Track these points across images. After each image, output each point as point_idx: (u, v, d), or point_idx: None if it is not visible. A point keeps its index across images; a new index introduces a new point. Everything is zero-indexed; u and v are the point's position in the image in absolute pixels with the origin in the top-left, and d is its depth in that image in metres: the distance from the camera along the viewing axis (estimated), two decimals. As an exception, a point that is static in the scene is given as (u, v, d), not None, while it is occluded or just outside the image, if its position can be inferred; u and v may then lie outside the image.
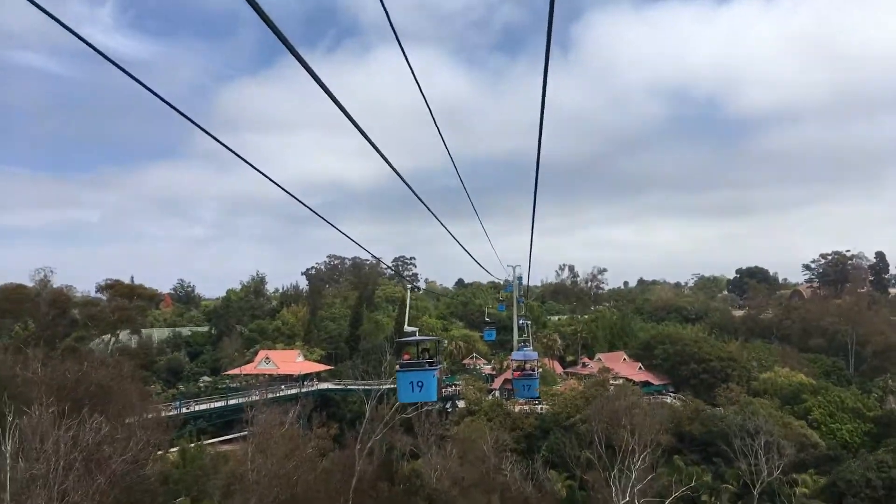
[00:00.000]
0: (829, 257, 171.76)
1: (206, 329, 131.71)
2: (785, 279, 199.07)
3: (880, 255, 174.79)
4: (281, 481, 29.57)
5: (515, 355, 29.54)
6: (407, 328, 20.41)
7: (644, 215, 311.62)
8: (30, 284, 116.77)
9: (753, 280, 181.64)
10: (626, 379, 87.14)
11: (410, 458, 53.04)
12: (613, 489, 37.64)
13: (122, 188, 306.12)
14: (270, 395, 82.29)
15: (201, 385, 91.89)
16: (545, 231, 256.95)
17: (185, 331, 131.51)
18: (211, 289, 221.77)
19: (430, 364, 19.13)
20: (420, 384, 18.43)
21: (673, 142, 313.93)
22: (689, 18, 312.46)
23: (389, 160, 9.39)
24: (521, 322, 34.48)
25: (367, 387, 52.63)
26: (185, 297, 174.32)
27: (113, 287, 64.84)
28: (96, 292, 68.99)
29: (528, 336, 30.93)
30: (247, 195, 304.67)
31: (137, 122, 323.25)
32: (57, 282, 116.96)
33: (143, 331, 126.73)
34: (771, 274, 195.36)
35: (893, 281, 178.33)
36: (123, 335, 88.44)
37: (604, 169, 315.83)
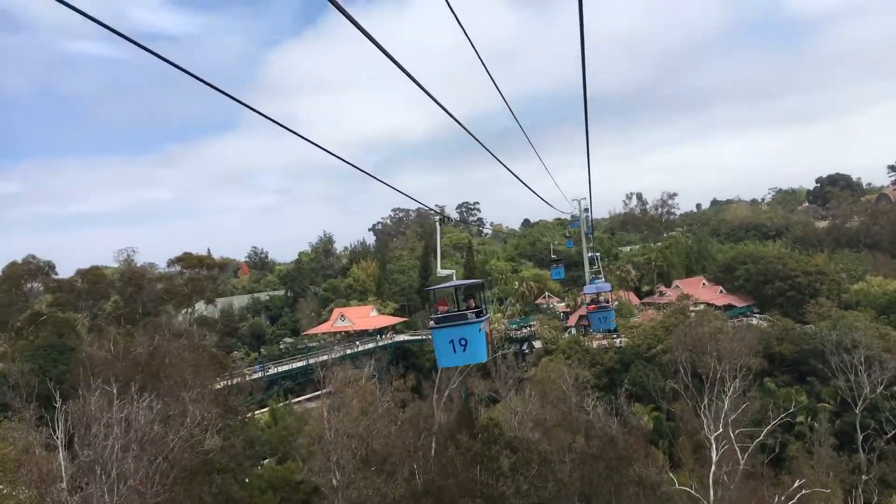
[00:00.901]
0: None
1: (282, 293, 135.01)
2: (869, 184, 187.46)
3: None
4: (357, 439, 29.28)
5: (588, 288, 28.25)
6: (440, 272, 16.15)
7: (709, 132, 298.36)
8: (115, 265, 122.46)
9: (836, 188, 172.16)
10: (707, 304, 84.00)
11: (490, 404, 52.70)
12: (704, 420, 35.82)
13: (188, 165, 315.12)
14: (349, 351, 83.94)
15: (282, 347, 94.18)
16: (606, 160, 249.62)
17: (263, 296, 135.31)
18: (284, 254, 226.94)
19: (477, 314, 14.96)
20: (463, 342, 14.30)
21: (732, 50, 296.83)
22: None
23: (443, 105, 9.32)
24: (590, 255, 32.81)
25: (423, 337, 51.96)
26: (259, 264, 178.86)
27: (183, 259, 65.91)
28: (167, 267, 70.59)
29: (599, 267, 29.27)
30: (308, 158, 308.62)
31: (194, 97, 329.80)
32: (140, 260, 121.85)
33: (222, 299, 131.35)
34: (854, 180, 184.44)
35: None
36: (200, 306, 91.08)
37: (661, 89, 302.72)
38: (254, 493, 33.86)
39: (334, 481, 28.22)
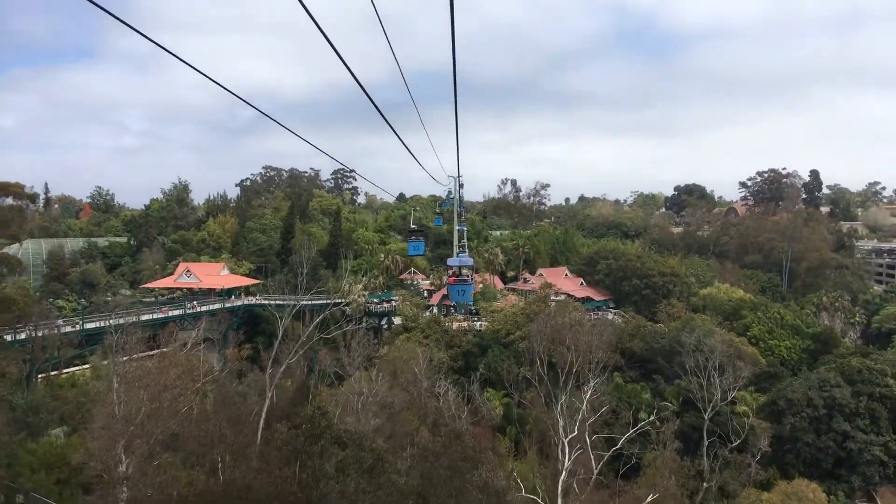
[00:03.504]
0: (766, 174, 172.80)
1: (124, 240, 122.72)
2: (720, 197, 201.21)
3: (814, 174, 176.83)
4: (156, 418, 24.01)
5: (451, 261, 26.02)
6: None
7: (579, 131, 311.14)
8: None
9: (691, 197, 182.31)
10: (568, 295, 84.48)
11: (336, 381, 48.64)
12: (560, 420, 33.65)
13: (36, 92, 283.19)
14: (192, 311, 76.34)
15: (108, 299, 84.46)
16: (482, 146, 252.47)
17: (102, 241, 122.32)
18: (135, 200, 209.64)
19: None
20: None
21: (606, 58, 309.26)
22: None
23: (347, 64, 8.89)
24: (459, 227, 29.96)
25: (279, 302, 46.76)
26: (103, 206, 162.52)
27: None
28: None
29: (465, 242, 26.57)
30: (172, 102, 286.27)
31: (50, 18, 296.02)
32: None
33: (51, 240, 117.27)
34: (708, 191, 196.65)
35: (824, 199, 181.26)
36: (27, 244, 78.28)
37: (538, 84, 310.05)
38: (23, 471, 27.71)
39: (121, 468, 23.02)
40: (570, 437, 31.62)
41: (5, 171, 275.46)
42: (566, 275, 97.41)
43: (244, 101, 9.74)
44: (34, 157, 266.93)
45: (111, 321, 45.07)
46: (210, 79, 8.65)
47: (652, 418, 42.81)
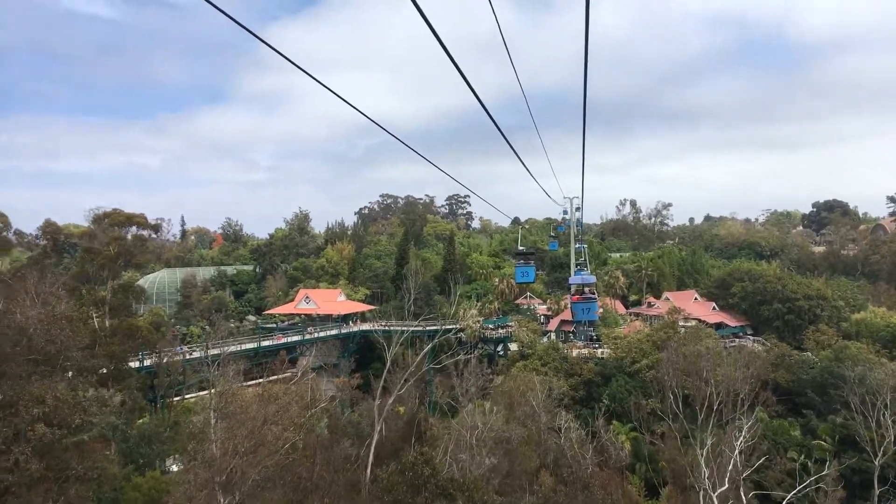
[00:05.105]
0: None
1: (251, 268, 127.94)
2: (865, 213, 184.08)
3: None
4: (257, 456, 22.34)
5: (573, 279, 23.39)
6: None
7: (698, 150, 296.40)
8: (86, 225, 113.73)
9: (833, 213, 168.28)
10: (699, 320, 78.00)
11: (448, 413, 46.25)
12: (706, 470, 29.01)
13: (177, 134, 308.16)
14: (297, 337, 76.81)
15: (233, 325, 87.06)
16: (599, 168, 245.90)
17: (231, 269, 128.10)
18: (263, 229, 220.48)
19: None
20: None
21: (728, 72, 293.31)
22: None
23: (475, 91, 9.44)
24: (577, 246, 26.98)
25: (392, 328, 44.86)
26: (233, 236, 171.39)
27: (110, 216, 57.61)
28: (92, 223, 61.81)
29: (586, 260, 23.68)
30: (299, 138, 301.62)
31: (185, 68, 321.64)
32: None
33: (185, 269, 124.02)
34: (850, 207, 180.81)
35: None
36: (163, 273, 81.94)
37: (654, 103, 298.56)
38: (127, 507, 27.15)
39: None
40: (719, 490, 27.00)
41: (148, 207, 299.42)
42: (696, 298, 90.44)
43: (383, 128, 11.49)
44: (174, 192, 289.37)
45: (210, 351, 45.01)
46: (358, 111, 10.31)
47: (825, 473, 36.67)
